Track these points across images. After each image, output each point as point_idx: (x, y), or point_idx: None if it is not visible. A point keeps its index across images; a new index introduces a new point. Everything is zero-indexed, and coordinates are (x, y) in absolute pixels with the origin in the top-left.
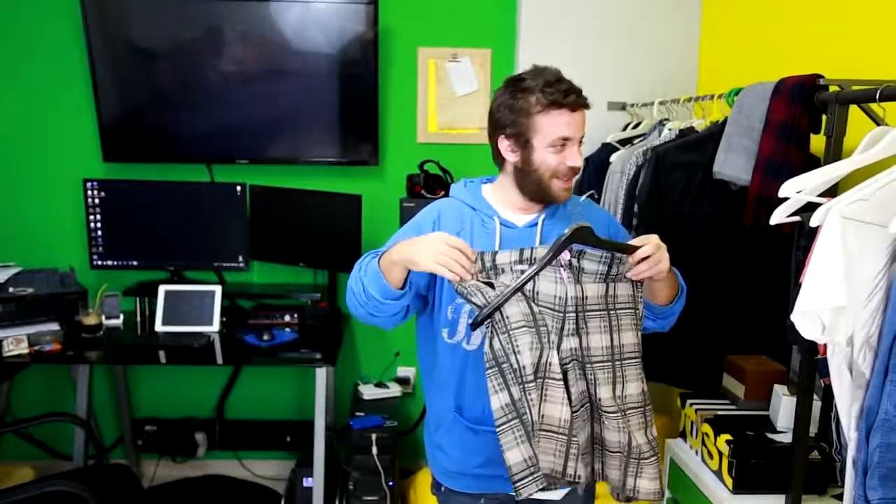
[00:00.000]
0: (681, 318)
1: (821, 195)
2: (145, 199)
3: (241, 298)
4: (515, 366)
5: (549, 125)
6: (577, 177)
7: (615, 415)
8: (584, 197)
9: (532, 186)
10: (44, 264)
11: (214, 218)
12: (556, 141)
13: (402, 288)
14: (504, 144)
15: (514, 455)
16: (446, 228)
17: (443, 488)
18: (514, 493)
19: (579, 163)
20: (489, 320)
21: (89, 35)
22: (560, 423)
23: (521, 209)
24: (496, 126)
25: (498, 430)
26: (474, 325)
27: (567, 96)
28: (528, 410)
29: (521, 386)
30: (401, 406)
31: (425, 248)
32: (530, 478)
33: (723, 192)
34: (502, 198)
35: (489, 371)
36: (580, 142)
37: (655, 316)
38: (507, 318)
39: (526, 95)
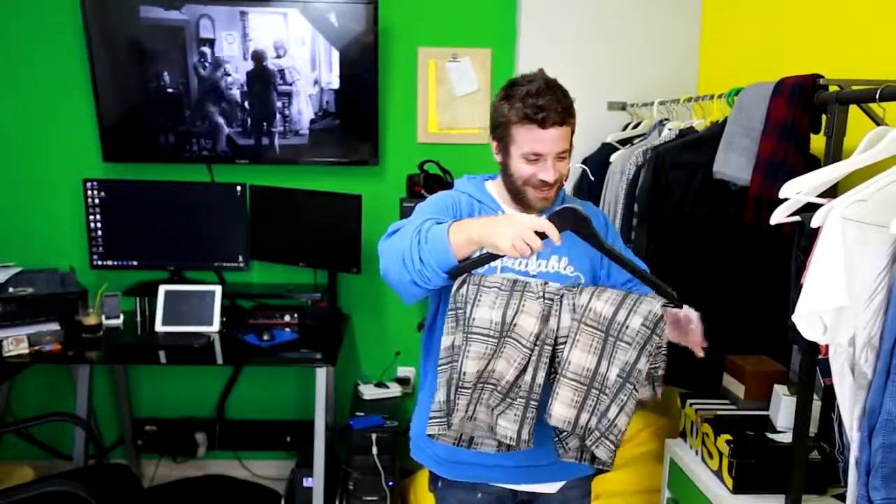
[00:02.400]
0: None
1: (821, 195)
2: (145, 199)
3: (241, 298)
4: (457, 371)
5: (522, 138)
6: (567, 182)
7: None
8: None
9: (512, 189)
10: (44, 264)
11: (214, 218)
12: (527, 154)
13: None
14: (493, 145)
15: (439, 395)
16: (463, 213)
17: (439, 483)
18: (509, 487)
19: (551, 178)
20: (465, 282)
21: (89, 35)
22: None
23: (521, 207)
24: (490, 125)
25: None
26: (450, 276)
27: (539, 112)
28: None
29: (457, 390)
30: (401, 406)
31: (511, 233)
32: (438, 420)
33: (723, 192)
34: (502, 194)
35: (441, 363)
36: (561, 156)
37: None
38: (472, 319)
39: (510, 102)
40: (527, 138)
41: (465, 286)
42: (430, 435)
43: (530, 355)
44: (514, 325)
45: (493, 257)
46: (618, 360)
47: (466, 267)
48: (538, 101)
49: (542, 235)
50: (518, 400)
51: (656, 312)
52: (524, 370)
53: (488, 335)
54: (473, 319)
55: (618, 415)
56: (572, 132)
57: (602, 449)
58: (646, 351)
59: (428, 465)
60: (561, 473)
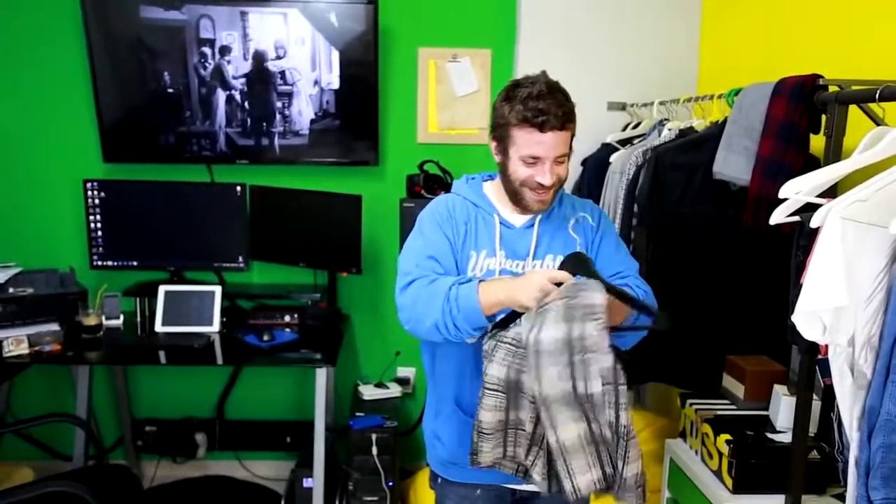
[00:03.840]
0: (681, 318)
1: (820, 195)
2: (145, 199)
3: (241, 299)
4: (477, 418)
5: (521, 140)
6: (564, 182)
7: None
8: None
9: (509, 190)
10: (44, 264)
11: (214, 218)
12: (526, 157)
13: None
14: (492, 145)
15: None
16: (458, 220)
17: (439, 480)
18: (509, 486)
19: (548, 181)
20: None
21: (89, 35)
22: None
23: (518, 209)
24: (490, 125)
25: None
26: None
27: (538, 116)
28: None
29: (479, 434)
30: (401, 406)
31: (531, 291)
32: (470, 455)
33: (723, 193)
34: (500, 196)
35: None
36: (560, 160)
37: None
38: (486, 374)
39: (511, 104)
40: (526, 141)
41: (488, 340)
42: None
43: (538, 411)
44: (518, 381)
45: (517, 315)
46: (604, 421)
47: (498, 325)
48: (539, 104)
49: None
50: (541, 452)
51: (608, 367)
52: (537, 423)
53: (497, 390)
54: (486, 375)
55: (624, 467)
56: (572, 136)
57: (627, 499)
58: (621, 405)
59: (434, 467)
60: None
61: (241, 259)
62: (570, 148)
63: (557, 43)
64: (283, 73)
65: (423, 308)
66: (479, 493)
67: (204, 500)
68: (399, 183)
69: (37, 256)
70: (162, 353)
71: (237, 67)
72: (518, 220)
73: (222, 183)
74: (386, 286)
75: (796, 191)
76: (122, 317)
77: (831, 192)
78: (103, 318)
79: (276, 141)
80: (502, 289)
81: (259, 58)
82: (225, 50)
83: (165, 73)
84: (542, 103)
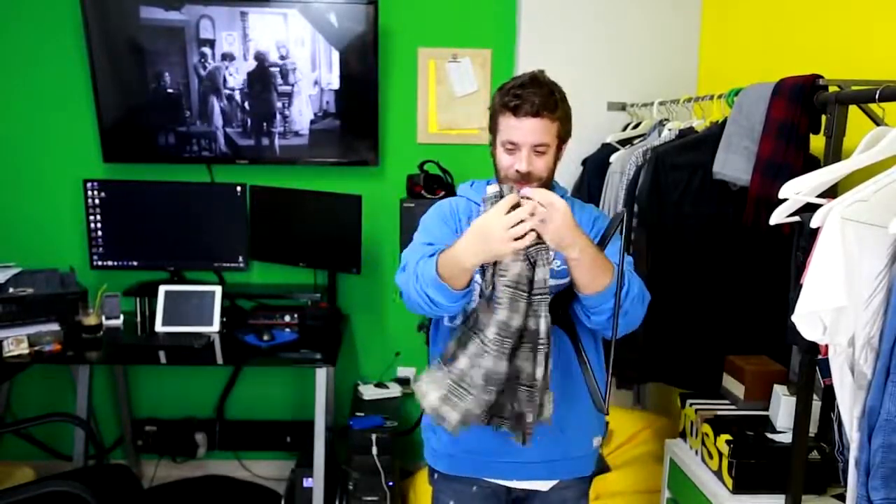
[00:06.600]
0: (681, 318)
1: (820, 196)
2: (145, 199)
3: (241, 299)
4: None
5: (502, 126)
6: (548, 178)
7: None
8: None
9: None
10: (44, 264)
11: (214, 218)
12: (505, 143)
13: (467, 286)
14: (490, 137)
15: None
16: (462, 217)
17: (436, 475)
18: (502, 483)
19: (524, 167)
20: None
21: (89, 35)
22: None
23: None
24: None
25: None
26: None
27: (513, 101)
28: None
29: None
30: (401, 406)
31: (494, 239)
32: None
33: (723, 193)
34: None
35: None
36: (538, 150)
37: (584, 311)
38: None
39: (500, 94)
40: (505, 126)
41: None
42: None
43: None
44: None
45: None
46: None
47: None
48: (518, 91)
49: (514, 206)
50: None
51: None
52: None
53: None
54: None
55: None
56: (559, 131)
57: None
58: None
59: (429, 461)
60: (554, 472)
61: (241, 259)
62: (559, 146)
63: (557, 43)
64: (283, 73)
65: (407, 290)
66: (475, 491)
67: (204, 500)
68: (399, 183)
69: (37, 256)
70: (162, 353)
71: (237, 68)
72: None
73: (222, 183)
74: (386, 286)
75: (796, 191)
76: (122, 317)
77: (831, 192)
78: (103, 317)
79: (276, 141)
80: (462, 252)
81: (259, 58)
82: (227, 56)
83: (165, 74)
84: (522, 91)
